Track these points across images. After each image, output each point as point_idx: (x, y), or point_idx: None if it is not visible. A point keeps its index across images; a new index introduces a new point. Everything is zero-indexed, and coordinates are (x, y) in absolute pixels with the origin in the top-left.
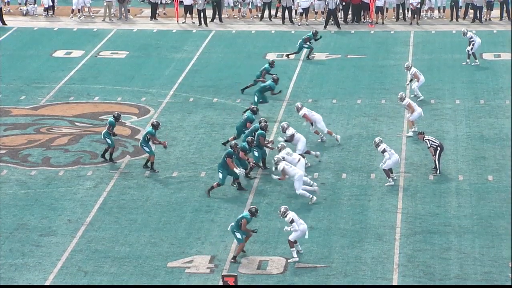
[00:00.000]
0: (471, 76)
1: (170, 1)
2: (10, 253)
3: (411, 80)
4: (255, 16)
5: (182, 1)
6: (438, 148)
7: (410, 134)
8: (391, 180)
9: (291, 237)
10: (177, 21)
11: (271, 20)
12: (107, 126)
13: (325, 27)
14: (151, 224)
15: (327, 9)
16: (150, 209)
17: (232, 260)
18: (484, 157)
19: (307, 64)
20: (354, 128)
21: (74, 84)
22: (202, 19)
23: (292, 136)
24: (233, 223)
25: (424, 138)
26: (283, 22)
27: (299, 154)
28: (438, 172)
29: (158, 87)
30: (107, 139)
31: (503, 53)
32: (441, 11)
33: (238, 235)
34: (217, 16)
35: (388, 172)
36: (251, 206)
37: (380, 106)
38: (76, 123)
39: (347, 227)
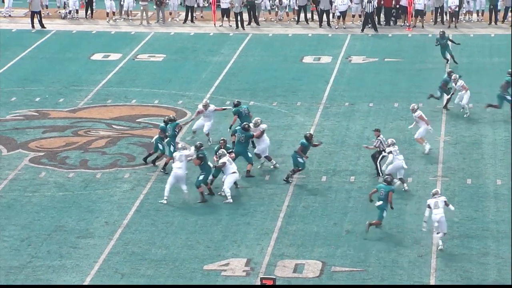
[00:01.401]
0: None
1: (207, 4)
2: (48, 254)
3: (452, 94)
4: (292, 20)
5: (219, 4)
6: (382, 153)
7: (427, 151)
8: (405, 185)
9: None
10: (214, 24)
11: (307, 23)
12: (159, 132)
13: (362, 30)
14: (187, 227)
15: (364, 12)
16: (186, 212)
17: (368, 229)
18: None
19: (344, 67)
20: (391, 131)
21: (112, 87)
22: (239, 22)
23: (262, 132)
24: (381, 201)
25: (379, 137)
26: (320, 25)
27: (265, 157)
28: (381, 175)
29: (195, 90)
30: (159, 144)
31: None
32: (480, 14)
33: (385, 213)
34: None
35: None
36: (386, 176)
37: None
38: (114, 126)
39: (383, 231)
